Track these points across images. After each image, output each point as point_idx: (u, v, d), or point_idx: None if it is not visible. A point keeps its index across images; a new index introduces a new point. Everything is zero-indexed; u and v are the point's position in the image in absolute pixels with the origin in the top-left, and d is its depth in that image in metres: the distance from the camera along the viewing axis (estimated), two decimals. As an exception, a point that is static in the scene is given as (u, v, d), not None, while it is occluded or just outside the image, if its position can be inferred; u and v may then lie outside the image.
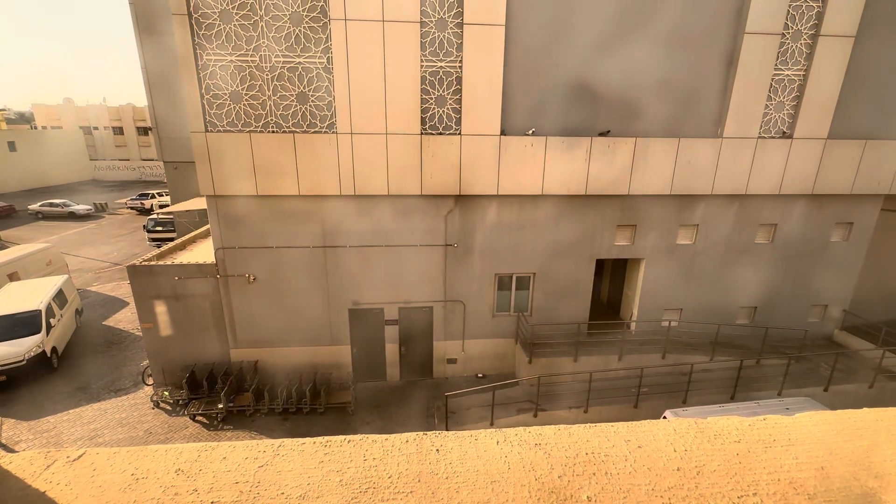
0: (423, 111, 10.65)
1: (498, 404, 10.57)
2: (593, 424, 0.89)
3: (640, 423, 0.89)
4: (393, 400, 12.11)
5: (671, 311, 13.15)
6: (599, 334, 13.18)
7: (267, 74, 10.09)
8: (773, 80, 11.17)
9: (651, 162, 11.32)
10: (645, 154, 11.24)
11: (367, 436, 0.65)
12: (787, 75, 11.19)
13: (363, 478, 0.57)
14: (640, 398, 10.69)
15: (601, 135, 11.12)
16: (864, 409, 0.92)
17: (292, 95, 10.27)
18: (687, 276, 12.78)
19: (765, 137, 11.55)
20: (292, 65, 10.08)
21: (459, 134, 10.77)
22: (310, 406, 11.26)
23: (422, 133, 10.70)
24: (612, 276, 15.22)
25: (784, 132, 11.60)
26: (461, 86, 10.49)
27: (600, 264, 13.98)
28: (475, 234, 11.81)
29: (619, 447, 0.81)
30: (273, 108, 10.30)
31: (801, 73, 11.18)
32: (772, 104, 11.38)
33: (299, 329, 12.01)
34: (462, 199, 11.46)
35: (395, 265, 11.78)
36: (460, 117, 10.70)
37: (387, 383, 12.79)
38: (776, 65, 11.07)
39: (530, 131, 10.95)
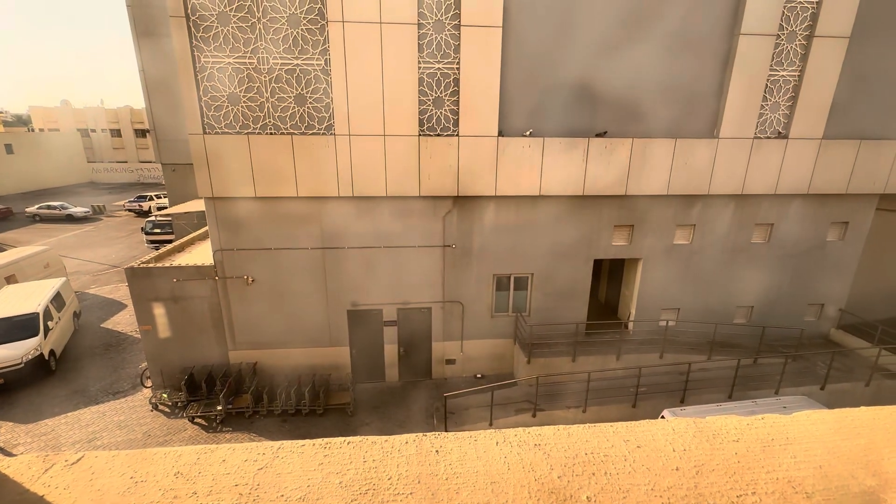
0: (421, 113, 10.66)
1: (497, 405, 10.57)
2: (592, 425, 0.89)
3: (639, 423, 0.89)
4: (392, 401, 12.10)
5: (669, 310, 13.18)
6: (597, 334, 13.20)
7: (265, 76, 10.08)
8: (768, 80, 11.22)
9: (648, 162, 11.35)
10: (642, 155, 11.27)
11: (366, 437, 0.65)
12: (783, 76, 11.24)
13: (363, 480, 0.57)
14: (639, 398, 10.70)
15: (598, 136, 11.15)
16: (862, 407, 0.93)
17: (290, 97, 10.27)
18: (684, 276, 12.82)
19: (761, 138, 11.60)
20: (290, 67, 10.08)
21: (457, 135, 10.78)
22: (309, 407, 11.24)
23: (420, 134, 10.70)
24: (610, 276, 15.24)
25: (780, 132, 11.65)
26: (459, 87, 10.50)
27: (598, 264, 14.00)
28: (473, 235, 11.82)
29: (618, 447, 0.81)
30: (271, 110, 10.29)
31: (797, 73, 11.24)
32: (767, 105, 11.43)
33: (298, 330, 11.99)
34: (460, 200, 11.47)
35: (394, 266, 11.78)
36: (458, 119, 10.71)
37: (386, 384, 12.78)
38: (771, 66, 11.11)
39: (528, 132, 10.97)
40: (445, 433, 0.71)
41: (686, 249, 12.60)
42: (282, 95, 10.23)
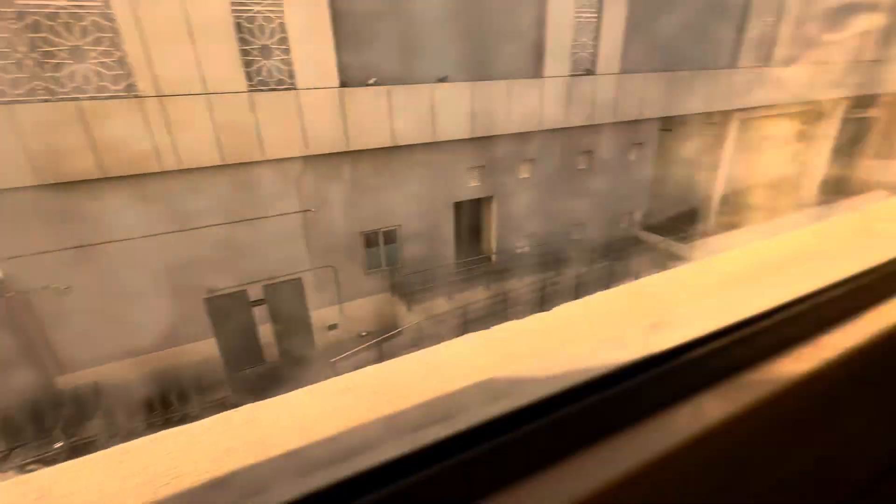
0: (248, 64, 9.41)
1: (386, 356, 10.92)
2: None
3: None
4: (278, 380, 11.57)
5: (523, 238, 14.85)
6: (467, 271, 14.29)
7: (15, 24, 7.64)
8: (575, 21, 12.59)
9: (491, 105, 12.04)
10: (485, 98, 11.89)
11: (172, 430, 0.62)
12: (588, 19, 12.72)
13: (166, 472, 0.55)
14: (509, 318, 12.13)
15: (440, 81, 11.35)
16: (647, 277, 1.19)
17: (64, 51, 8.04)
18: (531, 205, 14.44)
19: (575, 75, 13.13)
20: (51, 10, 7.79)
21: (295, 88, 9.88)
22: (181, 413, 10.11)
23: (251, 90, 9.52)
24: (472, 215, 16.35)
25: (588, 70, 13.36)
26: (287, 33, 9.47)
27: (459, 207, 14.85)
28: (332, 196, 11.36)
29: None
30: (38, 68, 7.96)
31: (595, 16, 12.78)
32: (578, 44, 12.89)
33: (145, 334, 10.36)
34: (312, 160, 10.77)
35: (249, 242, 10.78)
36: (293, 69, 9.76)
37: (268, 365, 12.09)
38: (576, 10, 12.42)
39: (371, 80, 10.60)
40: (258, 402, 0.70)
41: (529, 182, 14.09)
42: (48, 49, 7.95)
